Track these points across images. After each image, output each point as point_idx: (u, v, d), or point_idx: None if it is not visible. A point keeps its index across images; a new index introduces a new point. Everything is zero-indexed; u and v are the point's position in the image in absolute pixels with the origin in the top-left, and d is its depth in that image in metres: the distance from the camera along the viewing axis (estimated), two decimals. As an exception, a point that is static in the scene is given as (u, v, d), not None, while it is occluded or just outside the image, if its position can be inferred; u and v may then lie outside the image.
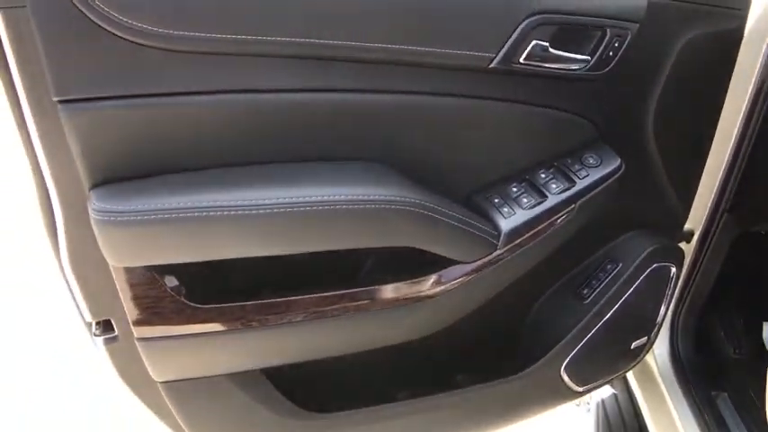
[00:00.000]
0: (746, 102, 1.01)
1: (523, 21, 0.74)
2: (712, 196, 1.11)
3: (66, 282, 0.81)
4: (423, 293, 0.85)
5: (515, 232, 0.85)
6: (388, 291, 0.83)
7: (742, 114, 1.02)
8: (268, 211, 0.69)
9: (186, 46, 0.65)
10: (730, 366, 1.28)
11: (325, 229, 0.74)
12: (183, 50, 0.66)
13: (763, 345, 1.27)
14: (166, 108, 0.68)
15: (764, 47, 0.97)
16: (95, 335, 0.83)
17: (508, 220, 0.85)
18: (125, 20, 0.61)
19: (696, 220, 1.14)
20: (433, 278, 0.84)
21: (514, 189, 0.87)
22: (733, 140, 1.05)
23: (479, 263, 0.86)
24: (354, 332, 0.85)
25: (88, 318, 0.82)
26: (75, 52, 0.63)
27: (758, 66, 0.98)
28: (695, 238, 1.16)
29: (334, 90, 0.74)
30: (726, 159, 1.07)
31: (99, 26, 0.61)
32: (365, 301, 0.82)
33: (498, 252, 0.86)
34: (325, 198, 0.71)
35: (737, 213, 1.12)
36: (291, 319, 0.79)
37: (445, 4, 0.72)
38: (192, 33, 0.64)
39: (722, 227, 1.14)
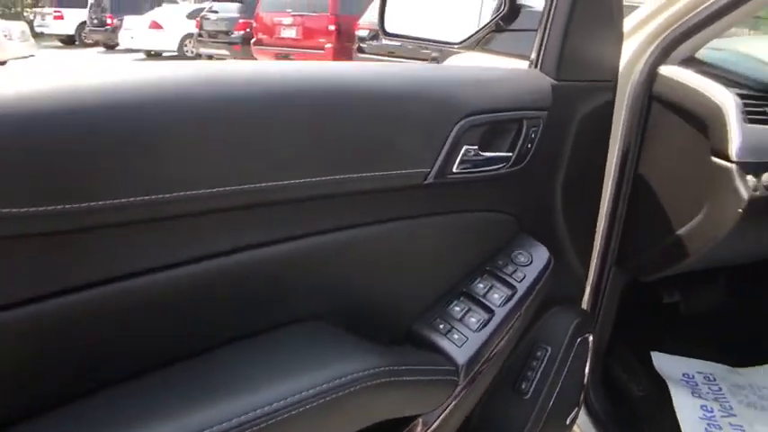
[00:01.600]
0: (614, 164, 1.05)
1: (454, 127, 0.69)
2: (598, 252, 1.14)
3: None
4: None
5: (473, 361, 0.75)
6: None
7: (612, 176, 1.07)
8: None
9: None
10: (641, 405, 1.32)
11: None
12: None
13: (659, 374, 1.34)
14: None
15: (623, 112, 1.02)
16: None
17: (462, 349, 0.74)
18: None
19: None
20: None
21: (457, 308, 0.77)
22: (608, 200, 1.09)
23: (444, 405, 0.73)
24: None
25: None
26: None
27: (620, 131, 1.03)
28: (587, 293, 1.18)
29: (265, 244, 0.60)
30: (605, 217, 1.10)
31: None
32: None
33: (459, 387, 0.74)
34: (288, 402, 0.53)
35: (624, 266, 1.16)
36: None
37: (378, 128, 0.63)
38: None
39: (612, 280, 1.17)
